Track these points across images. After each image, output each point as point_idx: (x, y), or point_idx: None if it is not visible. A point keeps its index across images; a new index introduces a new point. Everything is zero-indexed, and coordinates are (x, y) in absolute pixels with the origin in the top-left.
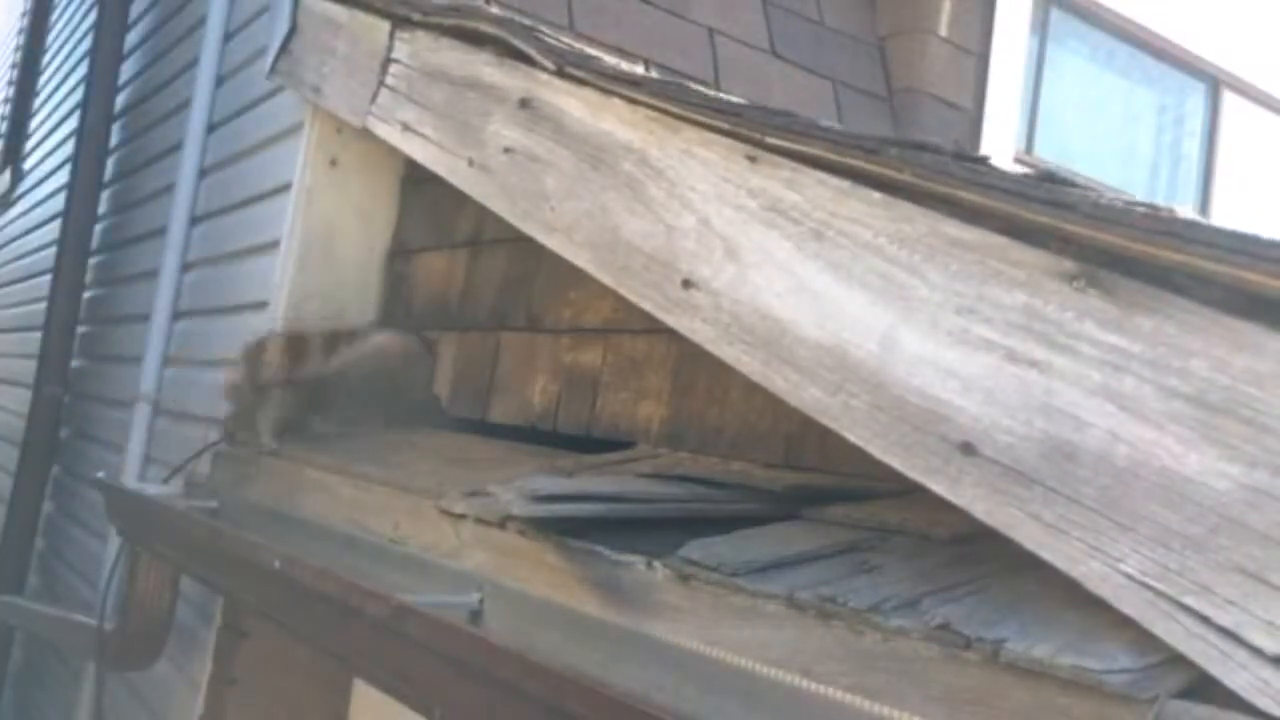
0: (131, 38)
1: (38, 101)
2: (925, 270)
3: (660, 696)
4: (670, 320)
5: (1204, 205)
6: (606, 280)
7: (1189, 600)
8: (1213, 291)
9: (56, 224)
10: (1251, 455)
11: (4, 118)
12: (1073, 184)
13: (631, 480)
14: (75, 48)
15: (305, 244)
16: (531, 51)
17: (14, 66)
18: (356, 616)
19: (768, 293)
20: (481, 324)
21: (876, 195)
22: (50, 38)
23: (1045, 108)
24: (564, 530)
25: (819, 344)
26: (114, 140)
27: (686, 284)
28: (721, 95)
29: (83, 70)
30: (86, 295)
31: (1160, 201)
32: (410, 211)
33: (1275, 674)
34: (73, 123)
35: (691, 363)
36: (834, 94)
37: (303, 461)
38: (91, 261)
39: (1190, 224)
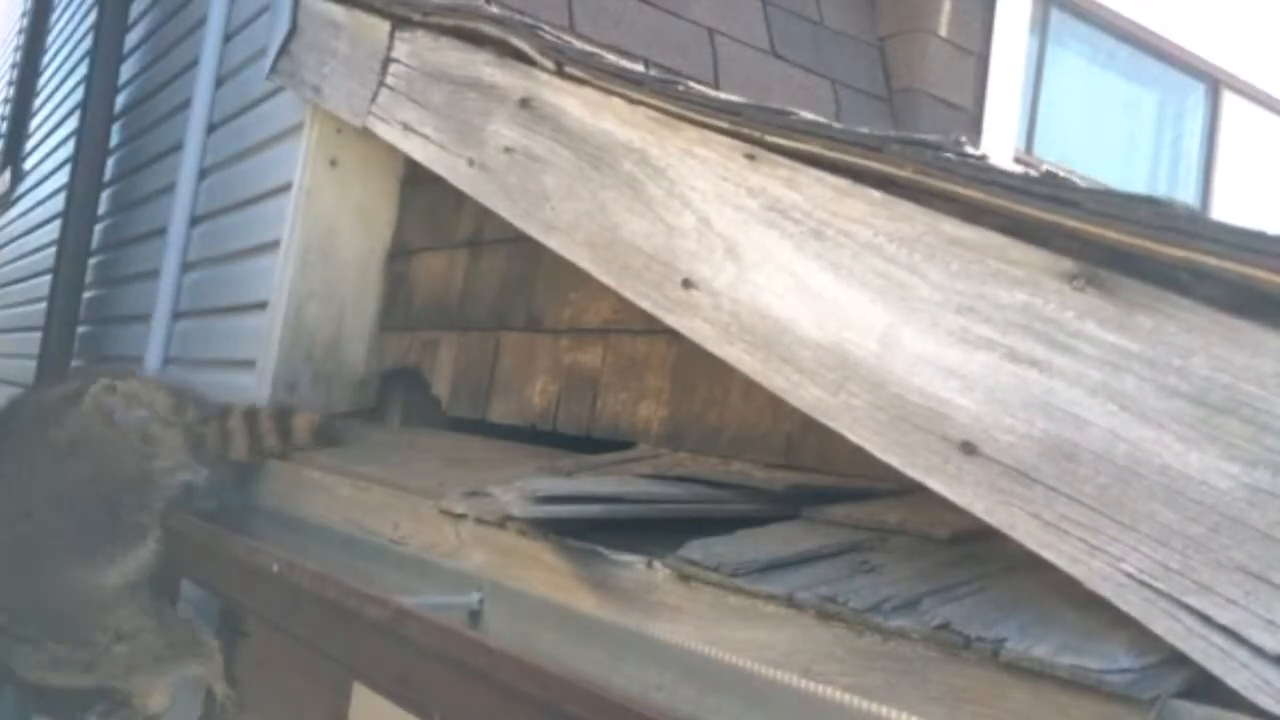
0: (131, 38)
1: (38, 101)
2: (925, 269)
3: (659, 696)
4: (670, 320)
5: (1204, 205)
6: (606, 280)
7: (1190, 599)
8: (1214, 289)
9: (56, 224)
10: (1252, 454)
11: (4, 118)
12: (1073, 183)
13: (631, 480)
14: (75, 48)
15: (305, 244)
16: (531, 51)
17: (14, 66)
18: (356, 620)
19: (768, 292)
20: (481, 324)
21: (877, 194)
22: (50, 38)
23: (1045, 108)
24: (564, 531)
25: (819, 343)
26: (114, 140)
27: (686, 284)
28: (721, 94)
29: (83, 70)
30: (86, 295)
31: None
32: (410, 211)
33: (1276, 673)
34: (73, 123)
35: (691, 363)
36: (834, 94)
37: (302, 462)
38: (91, 261)
39: (1194, 219)
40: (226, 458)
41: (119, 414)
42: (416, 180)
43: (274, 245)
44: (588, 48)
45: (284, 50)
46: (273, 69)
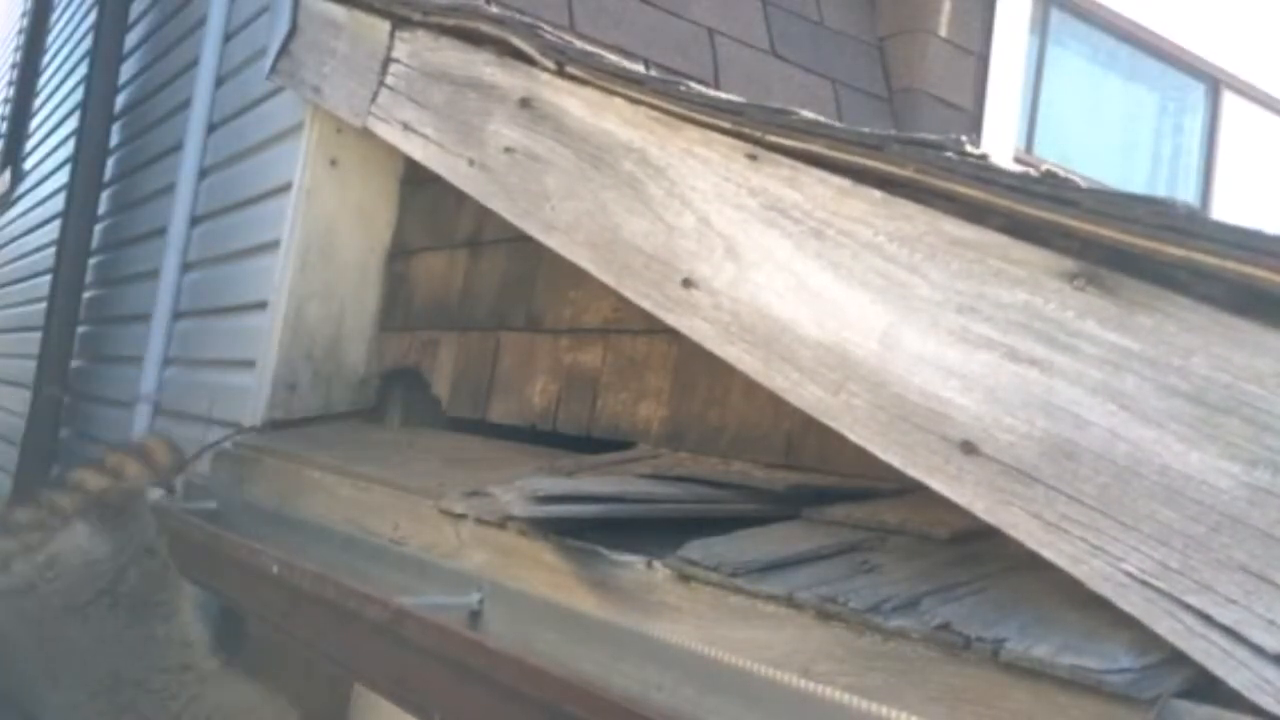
0: (131, 38)
1: (38, 101)
2: (926, 269)
3: (659, 696)
4: (670, 320)
5: (1204, 205)
6: (607, 280)
7: (1190, 599)
8: (1214, 288)
9: (56, 224)
10: (1252, 453)
11: (4, 118)
12: (1073, 183)
13: (631, 480)
14: (75, 48)
15: (305, 244)
16: (532, 51)
17: (14, 67)
18: (355, 620)
19: (768, 292)
20: (481, 324)
21: (877, 194)
22: (50, 38)
23: (1045, 108)
24: (564, 530)
25: (819, 343)
26: (114, 140)
27: (687, 283)
28: (722, 94)
29: (83, 70)
30: (86, 295)
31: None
32: (410, 211)
33: (1277, 672)
34: (73, 123)
35: (691, 362)
36: (834, 94)
37: (303, 462)
38: (91, 261)
39: (1194, 218)
40: (92, 496)
41: (28, 565)
42: (416, 180)
43: (274, 245)
44: (588, 47)
45: (284, 50)
46: (273, 69)
